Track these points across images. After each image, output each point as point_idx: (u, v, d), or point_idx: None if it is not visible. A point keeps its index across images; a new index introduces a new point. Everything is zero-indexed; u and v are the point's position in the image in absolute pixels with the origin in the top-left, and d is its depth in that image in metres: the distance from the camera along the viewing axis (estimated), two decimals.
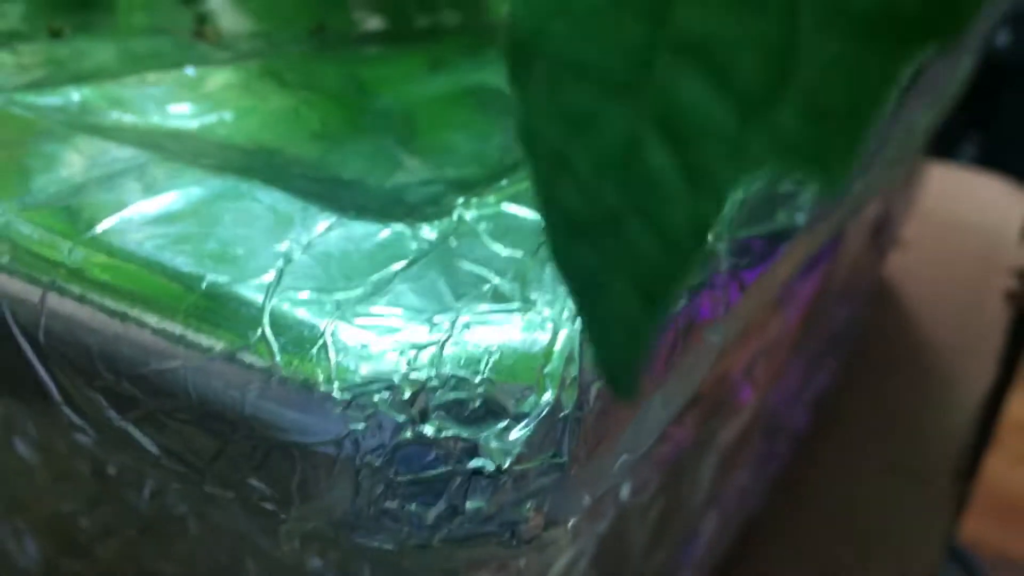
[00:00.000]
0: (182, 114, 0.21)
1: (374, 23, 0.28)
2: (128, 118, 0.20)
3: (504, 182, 0.18)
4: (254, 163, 0.19)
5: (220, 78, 0.22)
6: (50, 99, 0.21)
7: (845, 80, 0.08)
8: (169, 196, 0.17)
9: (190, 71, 0.22)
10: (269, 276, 0.15)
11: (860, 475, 0.44)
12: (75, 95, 0.21)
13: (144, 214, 0.17)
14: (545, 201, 0.08)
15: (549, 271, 0.15)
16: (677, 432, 0.23)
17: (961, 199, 0.64)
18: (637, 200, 0.08)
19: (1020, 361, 0.61)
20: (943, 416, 0.49)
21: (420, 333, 0.14)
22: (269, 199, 0.17)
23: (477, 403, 0.13)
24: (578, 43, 0.08)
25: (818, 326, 0.40)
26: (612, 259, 0.08)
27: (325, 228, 0.17)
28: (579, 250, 0.08)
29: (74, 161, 0.19)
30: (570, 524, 0.15)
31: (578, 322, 0.14)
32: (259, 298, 0.15)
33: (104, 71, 0.23)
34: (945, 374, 0.51)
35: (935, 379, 0.51)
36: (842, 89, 0.08)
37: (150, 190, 0.17)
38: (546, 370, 0.14)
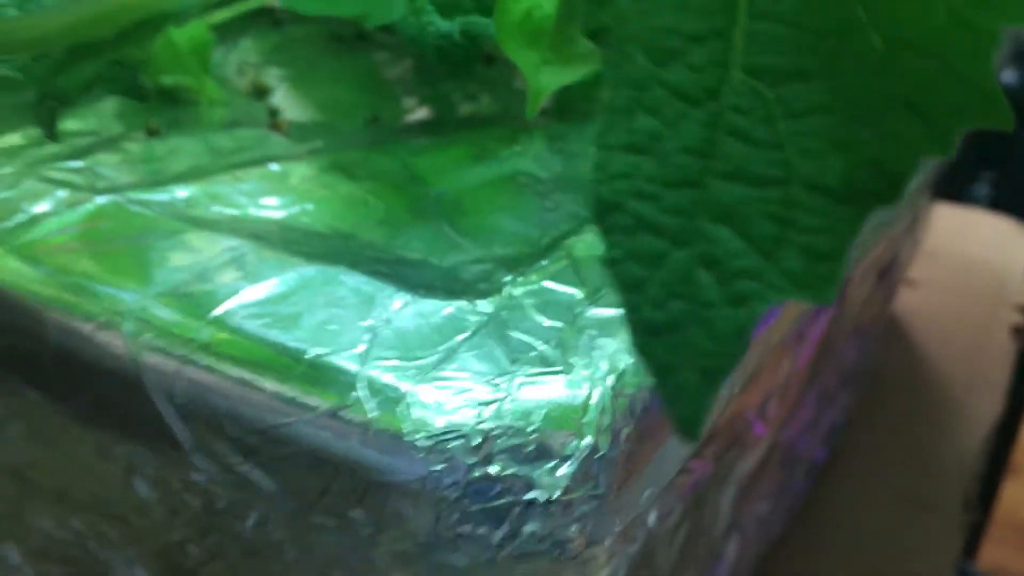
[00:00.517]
0: (271, 206, 0.25)
1: (422, 113, 0.32)
2: (227, 211, 0.24)
3: (544, 262, 0.22)
4: (334, 248, 0.23)
5: (298, 172, 0.26)
6: (158, 196, 0.25)
7: (827, 229, 0.11)
8: (271, 282, 0.21)
9: (274, 167, 0.26)
10: (360, 348, 0.19)
11: (874, 505, 0.47)
12: (179, 192, 0.25)
13: (254, 299, 0.20)
14: (627, 311, 0.11)
15: (585, 339, 0.19)
16: (697, 465, 0.27)
17: (969, 238, 0.67)
18: (694, 314, 0.11)
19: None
20: (953, 447, 0.52)
21: (484, 392, 0.18)
22: (352, 282, 0.21)
23: (531, 447, 0.17)
24: (643, 203, 0.11)
25: (829, 365, 0.44)
26: (679, 353, 0.12)
27: (400, 306, 0.20)
28: (654, 346, 0.11)
29: (187, 252, 0.23)
30: (607, 544, 0.18)
31: (610, 380, 0.18)
32: (353, 366, 0.18)
33: (199, 167, 0.27)
34: (955, 407, 0.54)
35: (945, 411, 0.54)
36: (825, 236, 0.11)
37: (254, 277, 0.21)
38: (584, 420, 0.18)
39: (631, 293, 0.12)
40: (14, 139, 0.27)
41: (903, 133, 0.10)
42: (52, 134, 0.17)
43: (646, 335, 0.11)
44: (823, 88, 0.11)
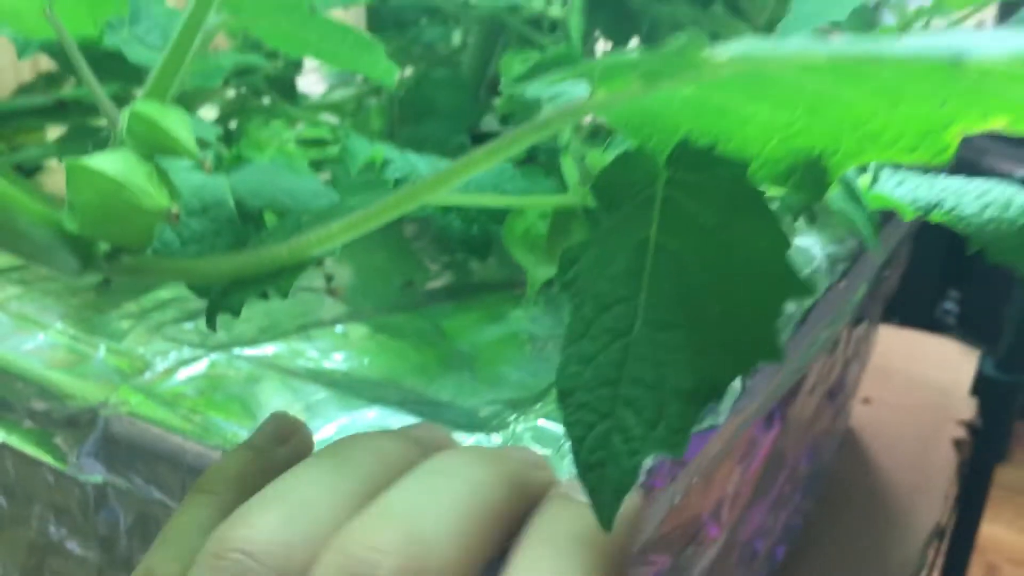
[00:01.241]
0: (338, 360, 0.33)
1: (445, 277, 0.41)
2: (307, 365, 0.33)
3: (539, 404, 0.31)
4: (385, 393, 0.32)
5: (357, 332, 0.35)
6: (254, 352, 0.34)
7: (682, 413, 0.20)
8: (342, 420, 0.30)
9: (339, 328, 0.35)
10: None
11: None
12: (268, 348, 0.34)
13: (329, 436, 0.29)
14: (574, 454, 0.20)
15: (566, 462, 0.27)
16: (658, 559, 0.35)
17: (919, 359, 0.75)
18: (610, 459, 0.20)
19: (972, 496, 0.71)
20: (900, 546, 0.59)
21: None
22: (399, 421, 0.30)
23: None
24: (584, 393, 0.20)
25: (781, 474, 0.52)
26: (601, 480, 0.20)
27: None
28: (587, 475, 0.20)
29: (280, 398, 0.31)
30: None
31: None
32: None
33: (280, 325, 0.36)
34: (903, 509, 0.62)
35: (894, 514, 0.62)
36: (681, 417, 0.20)
37: (329, 417, 0.30)
38: None
39: (576, 443, 0.20)
40: (135, 306, 0.36)
41: (724, 362, 0.19)
42: (213, 327, 0.26)
43: (583, 468, 0.20)
44: (684, 333, 0.20)
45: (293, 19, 0.26)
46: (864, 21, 0.40)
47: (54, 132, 0.49)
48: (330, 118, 0.49)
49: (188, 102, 0.45)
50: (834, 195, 0.26)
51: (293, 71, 0.51)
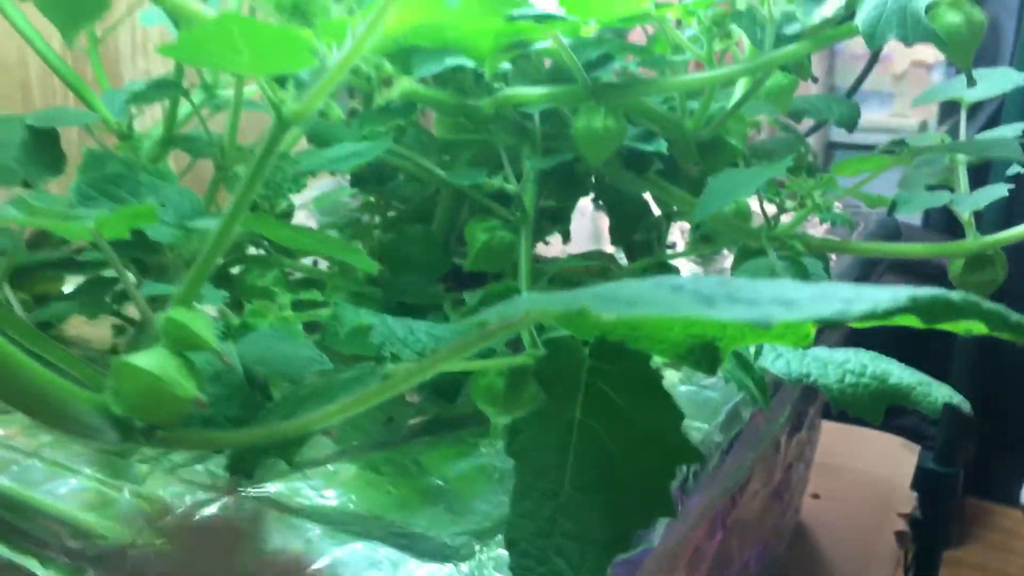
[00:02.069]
0: (330, 497, 0.39)
1: (421, 416, 0.47)
2: (304, 502, 0.39)
3: (500, 535, 0.36)
4: (370, 526, 0.37)
5: (345, 470, 0.41)
6: (260, 491, 0.39)
7: (597, 555, 0.26)
8: (335, 553, 0.35)
9: (331, 467, 0.41)
10: None
11: None
12: (272, 487, 0.40)
13: (323, 566, 0.35)
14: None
15: None
16: None
17: (863, 455, 0.81)
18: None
19: None
20: None
21: None
22: (384, 552, 0.35)
23: None
24: (526, 541, 0.26)
25: (730, 570, 0.58)
26: None
27: (414, 567, 0.34)
28: None
29: (282, 535, 0.37)
30: None
31: None
32: None
33: (281, 463, 0.41)
34: None
35: None
36: (596, 558, 0.26)
37: (322, 552, 0.36)
38: None
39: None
40: (151, 450, 0.42)
41: (630, 518, 0.25)
42: (238, 483, 0.32)
43: None
44: (602, 495, 0.26)
45: (293, 231, 0.33)
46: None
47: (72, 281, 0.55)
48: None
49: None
50: (727, 367, 0.33)
51: (287, 219, 0.58)
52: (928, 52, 1.63)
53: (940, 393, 0.32)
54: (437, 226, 0.52)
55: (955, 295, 0.22)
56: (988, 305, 0.22)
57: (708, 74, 0.44)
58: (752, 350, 0.33)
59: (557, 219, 0.59)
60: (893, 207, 0.53)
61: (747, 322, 0.21)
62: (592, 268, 0.52)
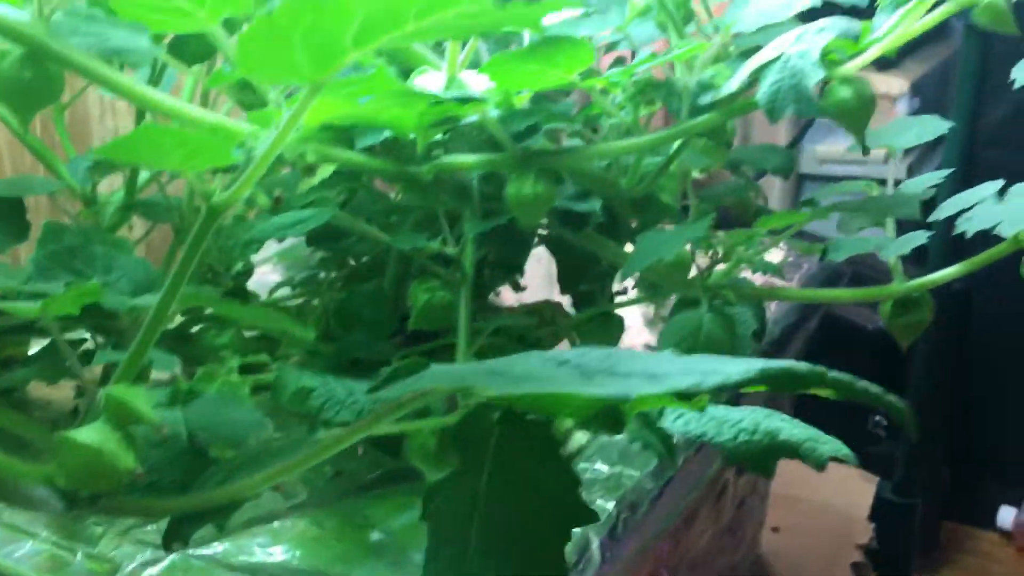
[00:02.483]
0: (275, 554, 0.41)
1: (376, 469, 0.49)
2: (250, 559, 0.41)
3: None
4: None
5: (291, 526, 0.43)
6: (206, 551, 0.41)
7: None
8: None
9: (276, 524, 0.43)
10: None
11: None
12: (219, 546, 0.41)
13: None
14: None
15: None
16: None
17: (822, 486, 0.83)
18: None
19: None
20: None
21: None
22: None
23: None
24: None
25: None
26: None
27: None
28: None
29: None
30: None
31: None
32: None
33: (230, 521, 0.43)
34: None
35: None
36: None
37: None
38: None
39: None
40: None
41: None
42: (169, 550, 0.34)
43: None
44: (505, 557, 0.28)
45: (230, 306, 0.35)
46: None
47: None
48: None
49: None
50: (632, 427, 0.35)
51: (245, 278, 0.60)
52: (893, 83, 1.66)
53: (826, 448, 0.34)
54: (388, 283, 0.54)
55: (802, 367, 0.24)
56: (833, 375, 0.25)
57: (628, 142, 0.46)
58: (656, 411, 0.35)
59: (508, 271, 0.61)
60: (824, 253, 0.56)
61: (613, 397, 0.23)
62: (534, 323, 0.55)
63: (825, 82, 0.39)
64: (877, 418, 1.35)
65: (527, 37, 0.49)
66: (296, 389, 0.41)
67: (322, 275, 0.60)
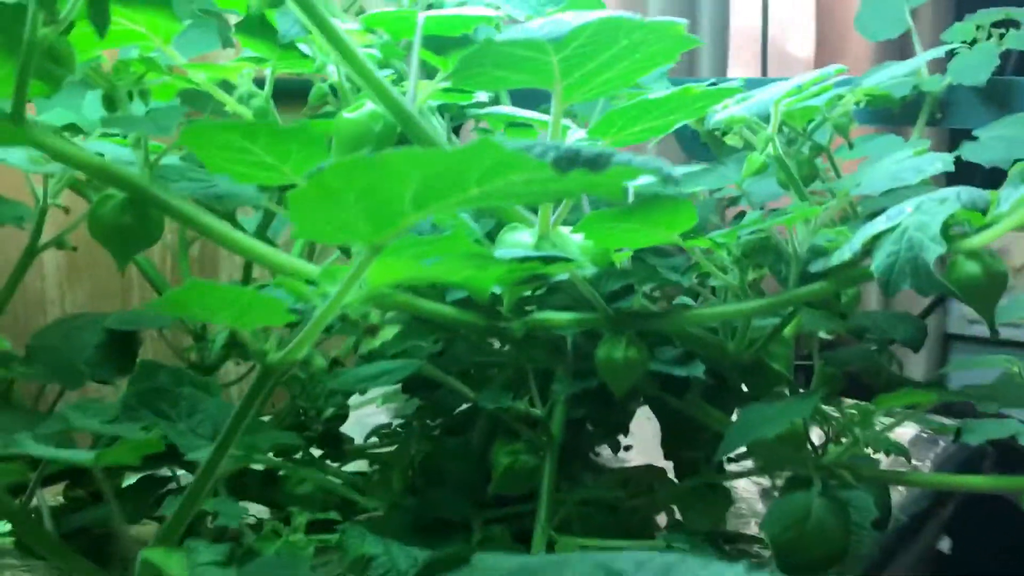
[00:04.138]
0: None
1: None
2: None
3: None
4: None
5: None
6: None
7: None
8: None
9: None
10: None
11: None
12: None
13: None
14: None
15: None
16: None
17: None
18: None
19: None
20: None
21: None
22: None
23: None
24: None
25: None
26: None
27: None
28: None
29: None
30: None
31: None
32: None
33: None
34: None
35: None
36: None
37: None
38: None
39: None
40: None
41: None
42: None
43: None
44: None
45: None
46: None
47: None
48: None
49: None
50: None
51: (339, 422, 0.58)
52: None
53: None
54: (477, 440, 0.52)
55: None
56: None
57: (728, 307, 0.43)
58: None
59: (608, 432, 0.58)
60: (958, 435, 0.50)
61: None
62: (629, 491, 0.51)
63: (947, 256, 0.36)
64: None
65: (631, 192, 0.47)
66: (357, 556, 0.38)
67: (414, 425, 0.58)
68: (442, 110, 0.54)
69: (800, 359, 0.74)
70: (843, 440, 0.46)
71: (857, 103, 0.57)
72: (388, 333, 0.35)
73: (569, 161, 0.23)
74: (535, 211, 0.43)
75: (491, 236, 0.42)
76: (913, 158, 0.47)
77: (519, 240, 0.41)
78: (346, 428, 0.59)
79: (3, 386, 0.58)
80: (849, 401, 0.77)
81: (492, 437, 0.53)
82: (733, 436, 0.41)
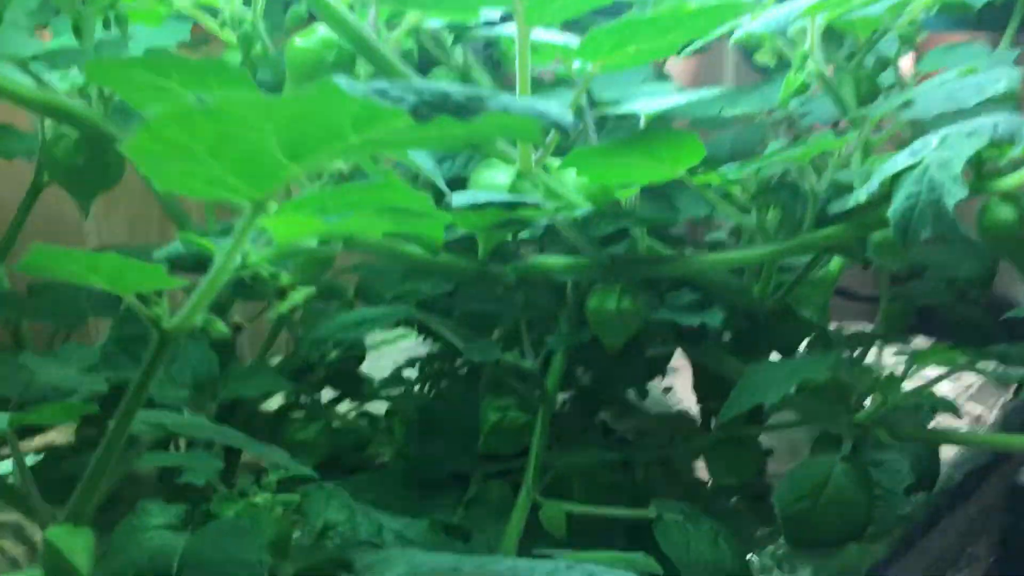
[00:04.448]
0: None
1: None
2: None
3: None
4: None
5: None
6: None
7: None
8: None
9: None
10: None
11: None
12: None
13: None
14: None
15: None
16: None
17: None
18: None
19: None
20: None
21: None
22: None
23: None
24: None
25: None
26: None
27: None
28: None
29: None
30: None
31: None
32: None
33: None
34: None
35: None
36: None
37: None
38: None
39: None
40: None
41: None
42: None
43: None
44: None
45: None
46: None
47: None
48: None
49: None
50: None
51: (355, 363, 0.56)
52: None
53: None
54: (482, 389, 0.49)
55: None
56: None
57: (732, 254, 0.38)
58: None
59: (630, 382, 0.53)
60: (1020, 388, 0.45)
61: None
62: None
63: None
64: None
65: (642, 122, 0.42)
66: (323, 522, 0.36)
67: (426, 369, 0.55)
68: (451, 30, 0.49)
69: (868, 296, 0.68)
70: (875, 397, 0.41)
71: (928, 8, 0.49)
72: (298, 296, 0.31)
73: (432, 107, 0.19)
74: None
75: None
76: (975, 75, 0.40)
77: (493, 181, 0.36)
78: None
79: (10, 327, 0.57)
80: (919, 338, 0.70)
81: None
82: (736, 398, 0.37)
